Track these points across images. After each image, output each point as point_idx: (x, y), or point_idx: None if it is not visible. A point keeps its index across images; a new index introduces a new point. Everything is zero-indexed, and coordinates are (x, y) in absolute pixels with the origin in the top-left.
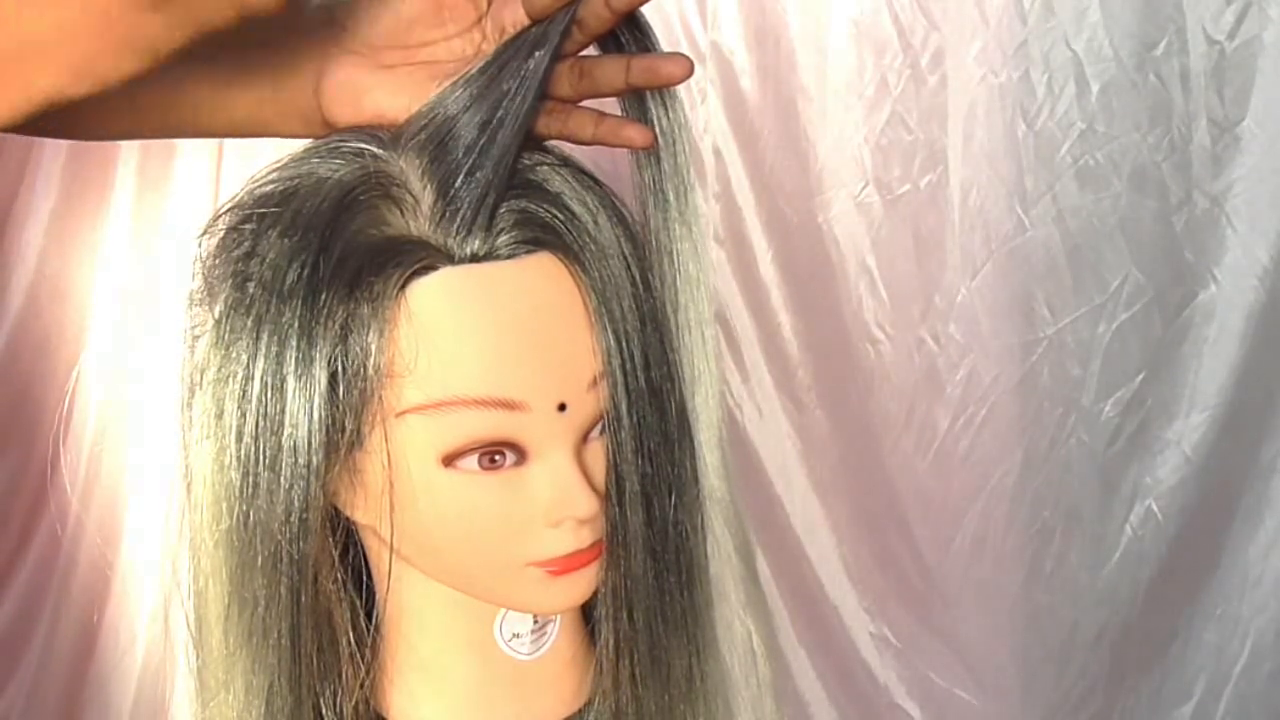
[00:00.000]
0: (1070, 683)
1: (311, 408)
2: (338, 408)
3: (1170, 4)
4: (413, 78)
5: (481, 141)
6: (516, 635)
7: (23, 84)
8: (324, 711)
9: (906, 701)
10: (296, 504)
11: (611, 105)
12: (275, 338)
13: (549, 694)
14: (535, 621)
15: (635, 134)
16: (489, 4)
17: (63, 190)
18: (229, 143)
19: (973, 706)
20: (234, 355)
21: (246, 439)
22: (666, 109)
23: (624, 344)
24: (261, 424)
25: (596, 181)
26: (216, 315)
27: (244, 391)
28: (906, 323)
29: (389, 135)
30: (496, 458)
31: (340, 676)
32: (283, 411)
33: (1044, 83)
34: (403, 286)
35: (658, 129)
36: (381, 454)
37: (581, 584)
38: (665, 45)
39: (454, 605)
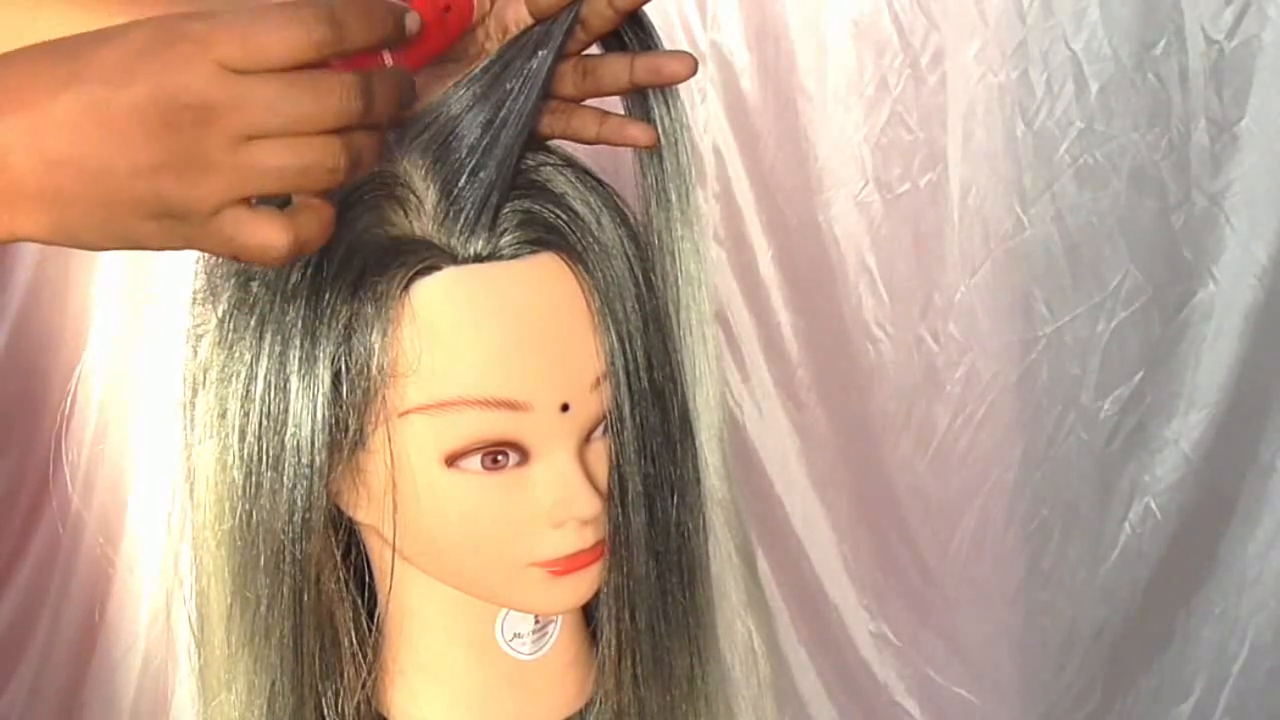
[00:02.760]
0: (1069, 680)
1: (315, 407)
2: (341, 407)
3: (1169, 3)
4: (416, 77)
5: (485, 141)
6: (518, 635)
7: (3, 225)
8: (326, 711)
9: (906, 700)
10: (299, 504)
11: (613, 105)
12: (279, 337)
13: (550, 694)
14: (537, 622)
15: (639, 133)
16: (492, 3)
17: None
18: None
19: (972, 704)
20: (237, 354)
21: (249, 438)
22: (669, 108)
23: (627, 344)
24: (265, 423)
25: (600, 182)
26: (219, 314)
27: (247, 391)
28: (906, 321)
29: (392, 135)
30: (499, 458)
31: (342, 676)
32: (286, 411)
33: (1043, 82)
34: (406, 286)
35: (660, 128)
36: (384, 454)
37: (583, 584)
38: (665, 45)
39: (455, 605)
